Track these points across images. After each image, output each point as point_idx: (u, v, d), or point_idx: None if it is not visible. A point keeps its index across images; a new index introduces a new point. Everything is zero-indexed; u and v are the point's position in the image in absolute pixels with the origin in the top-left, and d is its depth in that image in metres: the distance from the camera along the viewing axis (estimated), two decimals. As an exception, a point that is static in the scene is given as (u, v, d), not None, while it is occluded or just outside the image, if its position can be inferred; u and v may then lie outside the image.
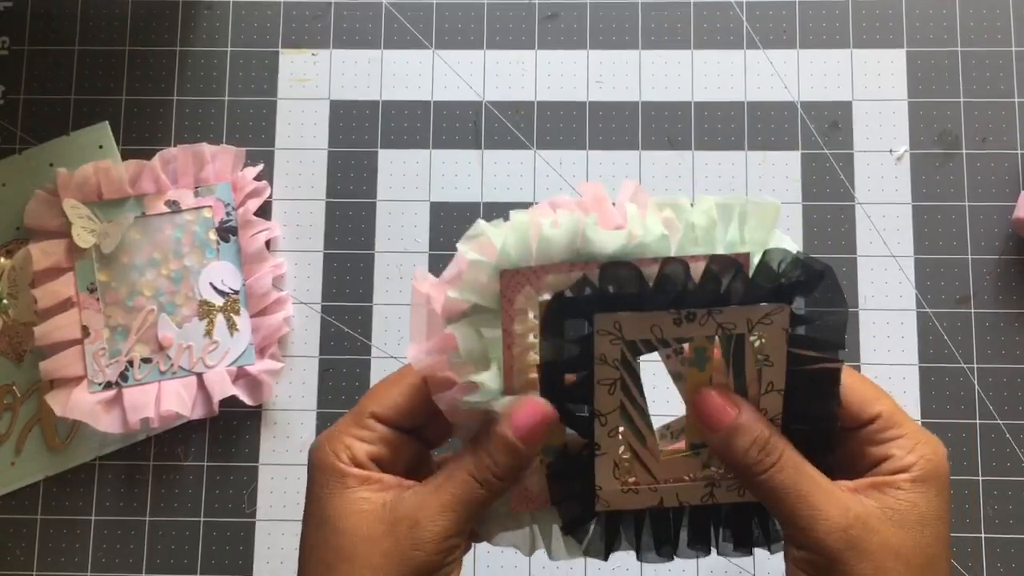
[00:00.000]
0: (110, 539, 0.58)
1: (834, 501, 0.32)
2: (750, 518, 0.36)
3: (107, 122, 0.61)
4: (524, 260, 0.33)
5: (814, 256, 0.33)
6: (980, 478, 0.56)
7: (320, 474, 0.34)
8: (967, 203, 0.59)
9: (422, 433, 0.37)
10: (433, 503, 0.33)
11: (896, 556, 0.32)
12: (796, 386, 0.34)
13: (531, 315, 0.33)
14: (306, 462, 0.35)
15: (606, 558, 0.36)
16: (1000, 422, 0.57)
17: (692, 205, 0.34)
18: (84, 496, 0.58)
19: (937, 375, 0.57)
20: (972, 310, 0.58)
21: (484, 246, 0.33)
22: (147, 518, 0.58)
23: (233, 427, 0.58)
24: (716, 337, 0.34)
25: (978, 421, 0.57)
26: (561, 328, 0.33)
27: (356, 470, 0.34)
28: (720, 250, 0.34)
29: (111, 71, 0.62)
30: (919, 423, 0.35)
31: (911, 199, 0.59)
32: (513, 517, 0.36)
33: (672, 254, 0.33)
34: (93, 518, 0.58)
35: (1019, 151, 0.60)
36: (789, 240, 0.34)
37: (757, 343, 0.34)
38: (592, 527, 0.36)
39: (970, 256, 0.59)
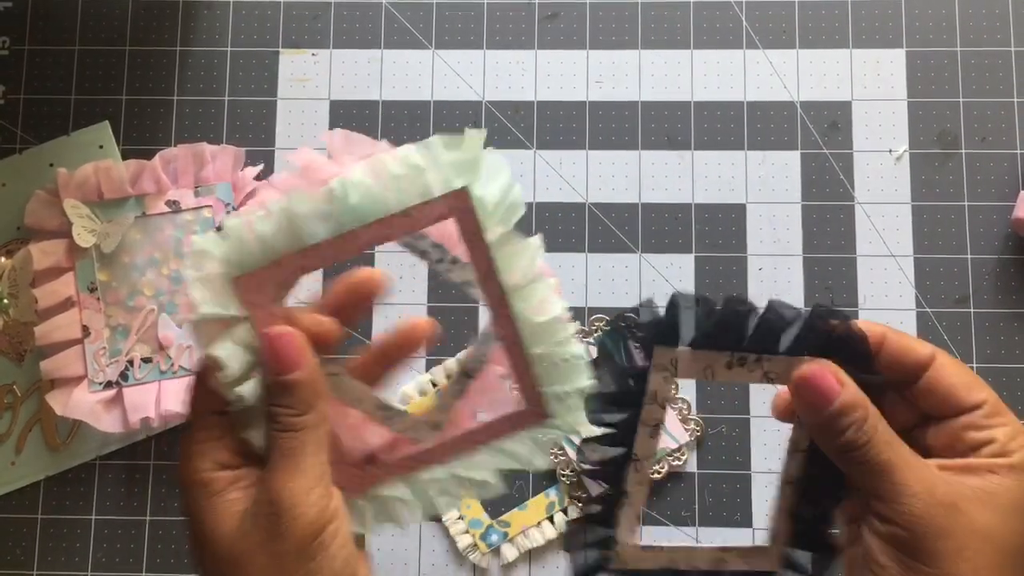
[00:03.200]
0: (110, 539, 0.58)
1: (921, 477, 0.32)
2: None
3: (107, 122, 0.61)
4: (251, 263, 0.32)
5: (850, 319, 0.34)
6: (980, 478, 0.57)
7: (188, 494, 0.33)
8: (967, 203, 0.59)
9: None
10: (275, 475, 0.31)
11: (984, 538, 0.31)
12: (816, 450, 0.34)
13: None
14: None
15: None
16: (1000, 422, 0.57)
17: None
18: (84, 496, 0.58)
19: (937, 375, 0.57)
20: (972, 310, 0.58)
21: (204, 258, 0.32)
22: (147, 518, 0.58)
23: (233, 427, 0.58)
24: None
25: (978, 421, 0.57)
26: (624, 354, 0.32)
27: (222, 473, 0.32)
28: (436, 193, 0.32)
29: (111, 71, 0.62)
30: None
31: (911, 199, 0.59)
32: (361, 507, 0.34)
33: (387, 209, 0.32)
34: (93, 518, 0.58)
35: (1019, 151, 0.60)
36: (506, 169, 0.33)
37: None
38: None
39: (970, 256, 0.59)
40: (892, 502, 0.32)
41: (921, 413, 0.36)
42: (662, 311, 0.33)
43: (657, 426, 0.34)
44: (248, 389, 0.32)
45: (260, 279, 0.32)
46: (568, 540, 0.35)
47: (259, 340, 0.32)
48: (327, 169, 0.33)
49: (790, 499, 0.35)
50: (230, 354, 0.32)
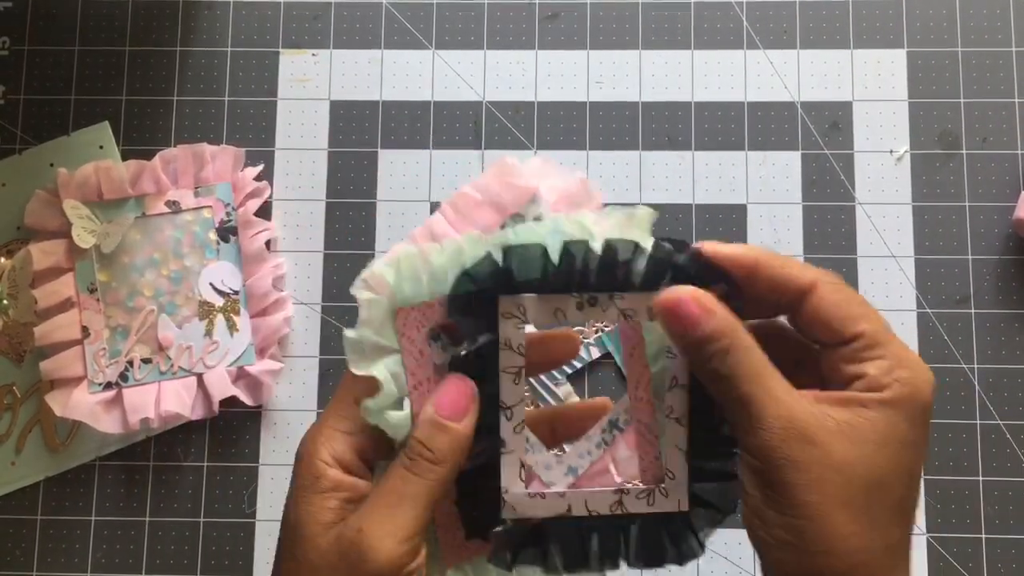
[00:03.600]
0: (110, 539, 0.58)
1: (778, 412, 0.31)
2: (661, 533, 0.35)
3: (107, 122, 0.61)
4: (418, 294, 0.33)
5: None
6: (980, 478, 0.56)
7: (299, 470, 0.33)
8: (967, 203, 0.59)
9: None
10: (376, 508, 0.32)
11: (837, 470, 0.31)
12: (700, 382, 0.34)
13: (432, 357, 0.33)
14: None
15: (510, 569, 0.35)
16: (1000, 422, 0.57)
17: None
18: (84, 496, 0.58)
19: (937, 375, 0.57)
20: (972, 310, 0.58)
21: (378, 284, 0.33)
22: (147, 518, 0.58)
23: (233, 427, 0.58)
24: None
25: (978, 421, 0.57)
26: (466, 309, 0.33)
27: (332, 472, 0.33)
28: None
29: (111, 71, 0.62)
30: (910, 349, 0.34)
31: (911, 199, 0.59)
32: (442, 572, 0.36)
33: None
34: (93, 518, 0.58)
35: (1019, 151, 0.60)
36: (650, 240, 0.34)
37: (654, 336, 0.34)
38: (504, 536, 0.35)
39: (970, 256, 0.59)
40: (748, 434, 0.31)
41: (797, 348, 0.35)
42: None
43: (519, 372, 0.33)
44: (395, 419, 0.33)
45: (420, 315, 0.33)
46: (460, 498, 0.35)
47: (406, 375, 0.33)
48: (516, 188, 0.35)
49: (680, 435, 0.34)
50: (387, 378, 0.33)
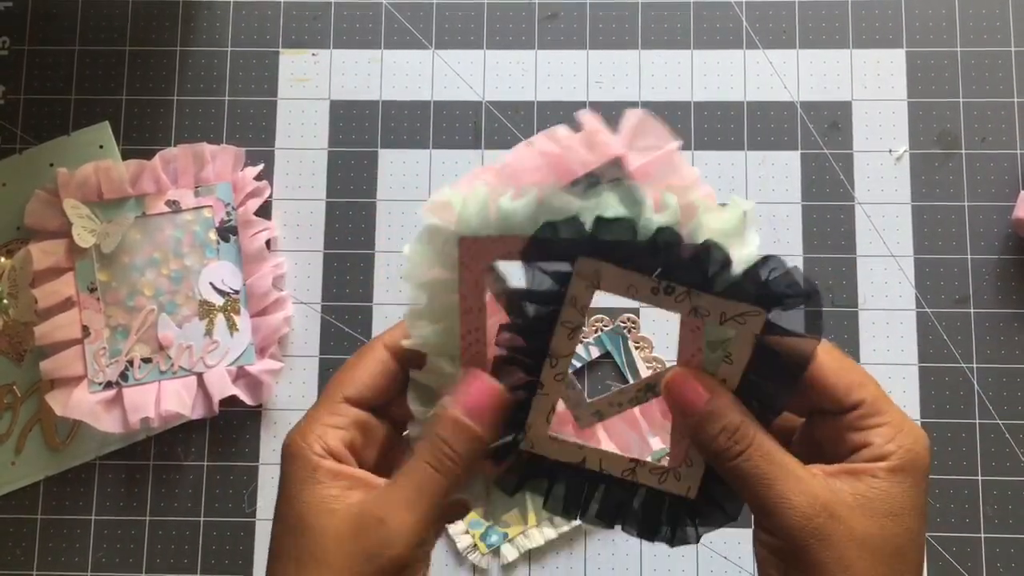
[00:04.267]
0: (110, 539, 0.58)
1: (801, 488, 0.32)
2: (662, 510, 0.36)
3: (107, 122, 0.61)
4: (484, 229, 0.33)
5: (807, 277, 0.33)
6: (980, 478, 0.57)
7: (291, 467, 0.34)
8: (967, 203, 0.59)
9: (392, 412, 0.37)
10: (398, 499, 0.33)
11: (861, 545, 0.31)
12: (746, 389, 0.34)
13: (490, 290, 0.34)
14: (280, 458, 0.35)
15: (511, 494, 0.36)
16: (1000, 422, 0.57)
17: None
18: (84, 496, 0.58)
19: (937, 375, 0.58)
20: (972, 310, 0.58)
21: (445, 211, 0.33)
22: (147, 518, 0.58)
23: (233, 427, 0.58)
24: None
25: (978, 421, 0.57)
26: (544, 256, 0.33)
27: (329, 462, 0.33)
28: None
29: (111, 71, 0.62)
30: (905, 413, 0.35)
31: (911, 199, 0.59)
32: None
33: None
34: (93, 518, 0.58)
35: (1019, 151, 0.60)
36: (756, 240, 0.34)
37: (725, 337, 0.34)
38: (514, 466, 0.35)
39: (970, 256, 0.59)
40: (772, 515, 0.32)
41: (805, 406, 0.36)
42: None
43: (576, 329, 0.34)
44: (435, 334, 0.34)
45: (484, 247, 0.33)
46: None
47: (459, 301, 0.34)
48: (604, 146, 0.35)
49: None
50: (423, 294, 0.33)
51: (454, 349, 0.34)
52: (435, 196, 0.34)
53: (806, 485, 0.32)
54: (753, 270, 0.33)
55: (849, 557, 0.31)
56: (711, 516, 0.35)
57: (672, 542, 0.36)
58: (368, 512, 0.32)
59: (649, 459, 0.35)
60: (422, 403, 0.35)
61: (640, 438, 0.37)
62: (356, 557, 0.32)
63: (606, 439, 0.37)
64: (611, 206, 0.33)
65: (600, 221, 0.33)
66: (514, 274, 0.33)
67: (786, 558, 0.32)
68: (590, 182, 0.35)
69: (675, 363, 0.35)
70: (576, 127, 0.37)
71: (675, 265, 0.33)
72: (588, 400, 0.36)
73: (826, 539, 0.31)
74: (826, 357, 0.35)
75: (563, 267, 0.33)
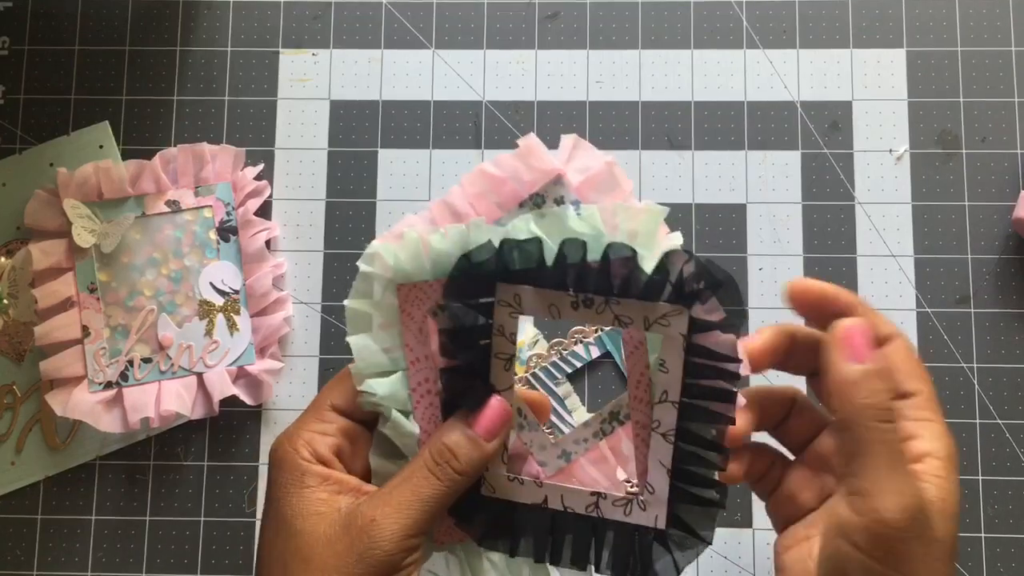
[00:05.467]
0: (110, 539, 0.58)
1: (912, 481, 0.32)
2: (633, 546, 0.35)
3: (107, 122, 0.61)
4: (420, 274, 0.33)
5: (716, 264, 0.33)
6: (980, 478, 0.57)
7: (279, 472, 0.34)
8: (967, 203, 0.59)
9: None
10: (391, 501, 0.33)
11: (940, 546, 0.32)
12: (690, 399, 0.34)
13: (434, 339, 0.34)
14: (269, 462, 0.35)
15: (480, 544, 0.35)
16: (1000, 422, 0.57)
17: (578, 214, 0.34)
18: (84, 496, 0.58)
19: (937, 375, 0.57)
20: (972, 310, 0.58)
21: (380, 264, 0.33)
22: (147, 518, 0.58)
23: (233, 427, 0.58)
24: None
25: (978, 421, 0.57)
26: (464, 291, 0.33)
27: (317, 467, 0.34)
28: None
29: (111, 71, 0.62)
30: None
31: (911, 199, 0.59)
32: (440, 552, 0.36)
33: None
34: (93, 518, 0.58)
35: (1019, 151, 0.60)
36: (679, 240, 0.34)
37: (652, 345, 0.34)
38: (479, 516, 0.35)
39: (970, 256, 0.59)
40: (882, 494, 0.31)
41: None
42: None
43: (511, 359, 0.34)
44: (382, 387, 0.34)
45: (421, 292, 0.33)
46: None
47: (404, 350, 0.34)
48: (543, 163, 0.35)
49: (665, 451, 0.34)
50: (364, 347, 0.34)
51: (406, 402, 0.34)
52: (368, 249, 0.34)
53: (916, 478, 0.32)
54: (660, 268, 0.33)
55: (932, 556, 0.32)
56: (685, 543, 0.34)
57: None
58: (360, 513, 0.33)
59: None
60: (384, 456, 0.35)
61: (609, 476, 0.37)
62: (345, 557, 0.32)
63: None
64: (523, 228, 0.33)
65: (505, 243, 0.33)
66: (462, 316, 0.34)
67: (877, 544, 0.31)
68: (535, 202, 0.35)
69: (627, 392, 0.36)
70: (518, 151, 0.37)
71: (586, 276, 0.33)
72: (552, 442, 0.36)
73: (925, 537, 0.31)
74: (903, 343, 0.35)
75: (485, 299, 0.33)
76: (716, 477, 0.34)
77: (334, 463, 0.34)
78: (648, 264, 0.33)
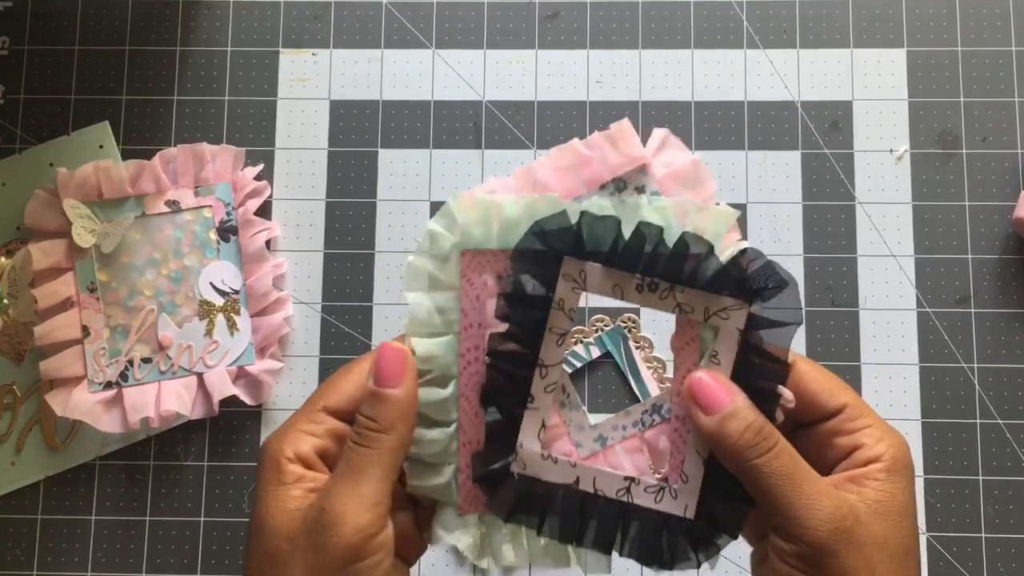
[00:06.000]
0: (110, 539, 0.58)
1: (827, 493, 0.32)
2: (661, 534, 0.35)
3: (107, 122, 0.61)
4: (487, 241, 0.33)
5: (783, 268, 0.34)
6: (980, 478, 0.56)
7: (262, 470, 0.34)
8: (967, 203, 0.59)
9: None
10: (338, 487, 0.32)
11: (881, 548, 0.32)
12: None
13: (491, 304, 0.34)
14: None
15: (506, 520, 0.35)
16: (1000, 422, 0.57)
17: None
18: (84, 496, 0.58)
19: (937, 375, 0.57)
20: (972, 310, 0.58)
21: (449, 225, 0.34)
22: (147, 518, 0.58)
23: (233, 427, 0.58)
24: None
25: (978, 421, 0.57)
26: (531, 261, 0.33)
27: (294, 466, 0.34)
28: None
29: (111, 71, 0.62)
30: (887, 420, 0.36)
31: (911, 199, 0.59)
32: (461, 521, 0.36)
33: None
34: (93, 518, 0.58)
35: (1019, 151, 0.60)
36: (744, 245, 0.34)
37: (711, 336, 0.34)
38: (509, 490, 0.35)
39: (970, 256, 0.59)
40: (797, 518, 0.32)
41: (789, 421, 0.36)
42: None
43: (565, 335, 0.34)
44: (431, 348, 0.34)
45: (484, 260, 0.33)
46: (478, 452, 0.35)
47: (460, 315, 0.34)
48: (631, 149, 0.35)
49: (703, 442, 0.34)
50: (420, 305, 0.34)
51: (454, 364, 0.34)
52: (443, 208, 0.34)
53: (834, 493, 0.32)
54: (732, 263, 0.33)
55: (874, 560, 0.31)
56: (711, 537, 0.35)
57: (673, 566, 0.35)
58: (313, 505, 0.32)
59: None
60: (420, 479, 0.35)
61: (640, 467, 0.37)
62: (307, 551, 0.32)
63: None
64: (600, 206, 0.33)
65: (584, 216, 0.33)
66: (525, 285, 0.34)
67: (809, 566, 0.32)
68: (617, 187, 0.36)
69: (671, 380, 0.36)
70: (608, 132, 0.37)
71: (657, 261, 0.33)
72: (591, 424, 0.36)
73: (854, 543, 0.31)
74: (806, 366, 0.35)
75: (550, 272, 0.33)
76: None
77: (316, 464, 0.34)
78: (716, 258, 0.33)
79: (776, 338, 0.34)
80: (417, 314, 0.34)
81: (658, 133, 0.37)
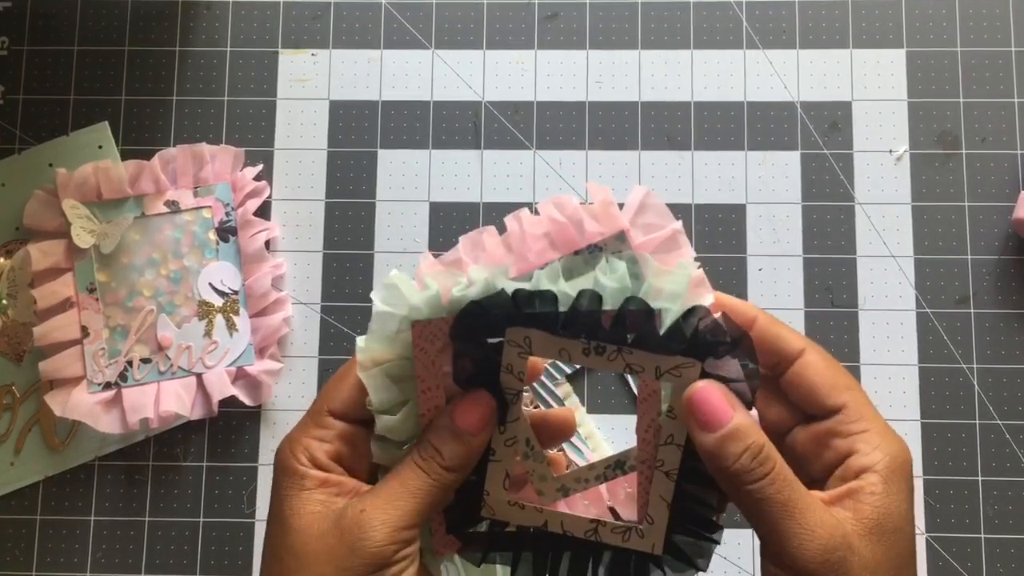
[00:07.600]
0: (110, 539, 0.58)
1: (822, 520, 0.31)
2: (629, 567, 0.35)
3: (107, 122, 0.61)
4: (437, 313, 0.34)
5: (735, 324, 0.33)
6: (980, 478, 0.56)
7: (281, 477, 0.34)
8: (967, 203, 0.59)
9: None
10: (380, 493, 0.33)
11: (874, 572, 0.31)
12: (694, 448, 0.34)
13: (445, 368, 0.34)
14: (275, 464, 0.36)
15: (478, 564, 0.36)
16: (1000, 422, 0.57)
17: (607, 262, 0.34)
18: (84, 496, 0.58)
19: (937, 375, 0.57)
20: (972, 310, 0.58)
21: (396, 298, 0.34)
22: (147, 518, 0.58)
23: (233, 427, 0.58)
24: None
25: (978, 421, 0.57)
26: (472, 334, 0.34)
27: (315, 472, 0.34)
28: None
29: (111, 71, 0.62)
30: (887, 421, 0.35)
31: (911, 199, 0.59)
32: (436, 562, 0.37)
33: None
34: (93, 518, 0.58)
35: (1019, 151, 0.60)
36: (710, 299, 0.34)
37: (665, 393, 0.34)
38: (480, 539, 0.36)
39: (970, 256, 0.59)
40: (794, 546, 0.31)
41: (792, 415, 0.36)
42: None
43: (518, 394, 0.34)
44: (390, 423, 0.34)
45: (435, 329, 0.34)
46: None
47: (416, 381, 0.34)
48: (612, 218, 0.36)
49: (667, 488, 0.34)
50: (380, 385, 0.34)
51: (414, 428, 0.35)
52: (386, 279, 0.34)
53: (825, 516, 0.32)
54: (678, 324, 0.33)
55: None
56: (679, 569, 0.35)
57: None
58: (351, 506, 0.33)
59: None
60: (384, 447, 0.36)
61: (602, 512, 0.37)
62: (337, 549, 0.32)
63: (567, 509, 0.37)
64: (543, 284, 0.33)
65: (519, 293, 0.33)
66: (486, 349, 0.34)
67: None
68: (592, 252, 0.36)
69: (635, 444, 0.36)
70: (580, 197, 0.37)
71: (598, 327, 0.33)
72: (554, 475, 0.36)
73: (845, 569, 0.31)
74: (815, 355, 0.35)
75: (493, 339, 0.34)
76: (714, 518, 0.35)
77: (333, 469, 0.35)
78: (669, 318, 0.33)
79: (737, 393, 0.33)
80: (377, 391, 0.34)
81: (638, 192, 0.37)
